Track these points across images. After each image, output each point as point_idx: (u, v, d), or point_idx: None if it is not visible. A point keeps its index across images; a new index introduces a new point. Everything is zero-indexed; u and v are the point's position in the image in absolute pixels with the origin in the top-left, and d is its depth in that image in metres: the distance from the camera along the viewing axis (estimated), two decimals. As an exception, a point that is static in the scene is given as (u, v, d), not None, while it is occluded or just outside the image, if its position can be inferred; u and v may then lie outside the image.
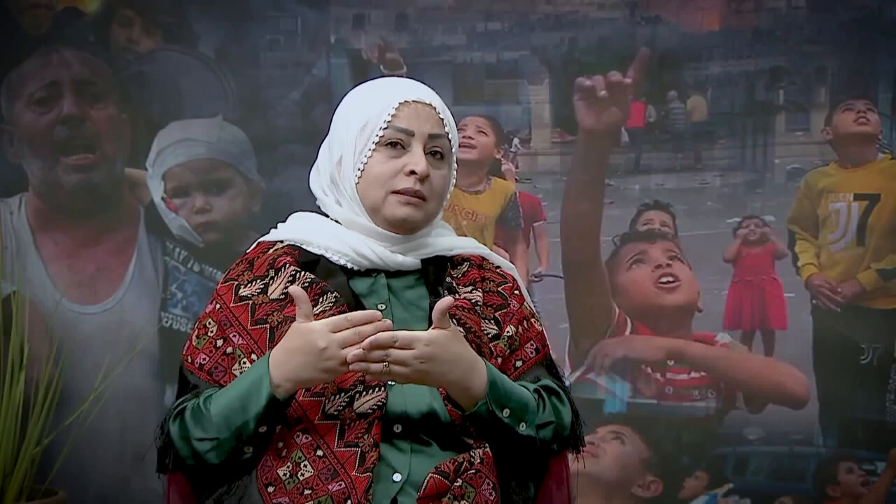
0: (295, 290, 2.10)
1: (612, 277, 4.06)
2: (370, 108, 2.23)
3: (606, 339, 4.04)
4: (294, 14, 4.07)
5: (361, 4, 4.06)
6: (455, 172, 2.30)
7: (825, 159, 4.04)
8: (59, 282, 4.04)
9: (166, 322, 4.05)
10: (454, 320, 2.20)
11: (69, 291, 4.03)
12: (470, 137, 4.05)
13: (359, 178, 2.23)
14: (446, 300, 2.08)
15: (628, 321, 4.05)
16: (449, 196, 2.31)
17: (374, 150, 2.22)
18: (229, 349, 2.20)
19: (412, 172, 2.20)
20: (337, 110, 2.29)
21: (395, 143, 2.21)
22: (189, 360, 2.22)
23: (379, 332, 2.05)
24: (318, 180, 2.30)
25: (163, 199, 4.05)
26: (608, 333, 4.05)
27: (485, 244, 2.45)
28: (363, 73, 3.96)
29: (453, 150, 2.27)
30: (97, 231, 4.07)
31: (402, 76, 3.90)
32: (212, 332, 2.23)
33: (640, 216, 4.08)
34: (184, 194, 4.06)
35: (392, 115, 2.21)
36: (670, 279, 4.05)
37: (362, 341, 2.04)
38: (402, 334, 2.05)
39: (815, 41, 4.02)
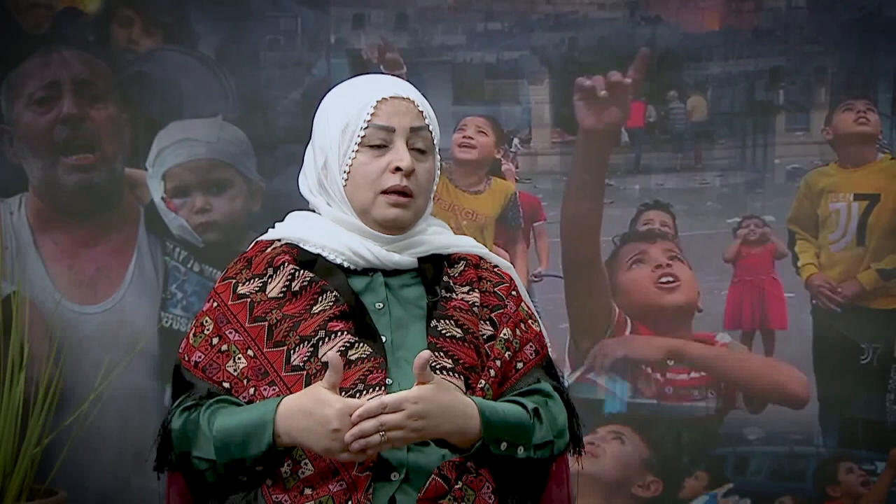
0: (333, 356, 2.06)
1: (612, 277, 4.05)
2: (349, 108, 2.23)
3: (606, 339, 4.04)
4: (294, 14, 4.07)
5: (361, 4, 4.06)
6: (439, 163, 2.30)
7: (825, 159, 4.04)
8: (59, 282, 4.04)
9: (166, 322, 4.05)
10: (452, 321, 2.20)
11: (69, 291, 4.03)
12: (470, 137, 4.06)
13: (345, 180, 2.23)
14: (423, 355, 2.06)
15: (628, 321, 4.05)
16: (436, 188, 2.30)
17: (357, 150, 2.22)
18: (224, 346, 2.20)
19: (397, 169, 2.20)
20: (317, 113, 2.29)
21: (378, 144, 2.22)
22: (186, 359, 2.23)
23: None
24: (307, 183, 2.30)
25: (163, 199, 4.05)
26: (608, 333, 4.05)
27: (485, 244, 2.45)
28: (363, 73, 3.94)
29: (435, 141, 2.27)
30: (97, 231, 4.07)
31: (392, 74, 3.90)
32: (208, 329, 2.23)
33: (640, 216, 4.08)
34: (184, 194, 4.06)
35: (371, 114, 2.21)
36: (670, 279, 4.05)
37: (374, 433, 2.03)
38: (390, 399, 2.04)
39: (815, 41, 4.02)
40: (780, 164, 4.06)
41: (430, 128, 2.25)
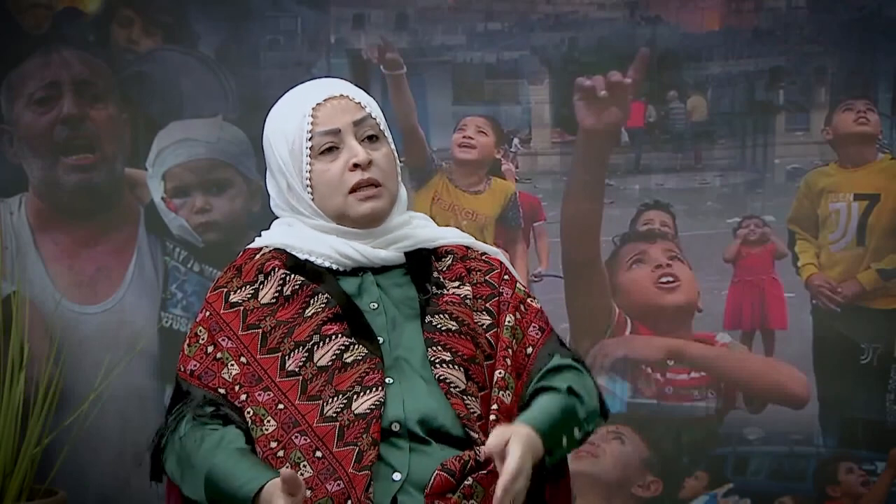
0: (286, 473, 1.98)
1: (612, 277, 4.05)
2: (288, 125, 2.23)
3: (606, 339, 4.04)
4: (294, 14, 4.07)
5: (361, 4, 4.06)
6: (393, 146, 2.29)
7: (825, 159, 4.04)
8: (59, 282, 4.04)
9: (166, 322, 4.05)
10: (446, 315, 2.21)
11: (69, 291, 4.03)
12: (470, 137, 4.06)
13: (311, 194, 2.23)
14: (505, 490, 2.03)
15: (628, 321, 4.05)
16: (399, 169, 2.30)
17: (311, 162, 2.22)
18: (219, 354, 2.21)
19: (355, 166, 2.21)
20: (262, 140, 2.29)
21: (328, 148, 2.22)
22: (182, 369, 2.23)
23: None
24: (279, 209, 2.31)
25: (163, 199, 4.05)
26: (608, 333, 4.05)
27: (485, 245, 2.45)
28: (363, 73, 3.96)
29: (381, 125, 2.27)
30: (97, 231, 4.08)
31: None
32: (202, 339, 2.23)
33: (640, 216, 4.08)
34: (184, 194, 4.06)
35: (311, 123, 2.21)
36: (670, 279, 4.05)
37: None
38: (505, 484, 2.02)
39: (815, 41, 4.02)
40: (780, 164, 4.06)
41: (373, 115, 2.25)
